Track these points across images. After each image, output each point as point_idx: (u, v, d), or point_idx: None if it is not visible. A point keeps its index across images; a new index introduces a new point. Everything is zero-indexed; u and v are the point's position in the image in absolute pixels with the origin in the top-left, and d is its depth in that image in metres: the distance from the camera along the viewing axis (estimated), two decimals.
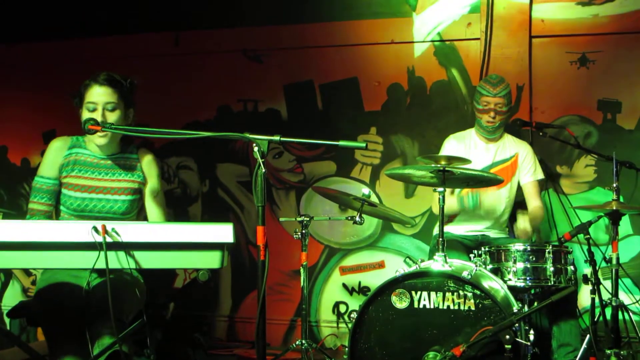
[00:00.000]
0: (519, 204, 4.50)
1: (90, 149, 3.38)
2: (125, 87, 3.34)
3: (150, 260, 2.57)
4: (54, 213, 3.38)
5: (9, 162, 6.01)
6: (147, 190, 3.44)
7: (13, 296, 5.85)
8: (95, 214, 3.27)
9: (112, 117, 3.26)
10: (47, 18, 5.79)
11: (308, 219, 4.26)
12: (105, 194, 3.31)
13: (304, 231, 4.25)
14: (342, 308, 5.31)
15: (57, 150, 3.35)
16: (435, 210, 4.34)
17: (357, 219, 4.06)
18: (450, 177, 3.58)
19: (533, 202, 4.40)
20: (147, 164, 3.45)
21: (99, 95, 3.25)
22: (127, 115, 3.36)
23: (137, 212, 3.45)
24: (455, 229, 4.42)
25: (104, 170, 3.35)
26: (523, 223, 4.20)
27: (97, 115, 3.21)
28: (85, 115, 3.25)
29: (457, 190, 4.40)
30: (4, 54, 5.92)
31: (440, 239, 3.55)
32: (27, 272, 5.86)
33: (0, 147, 6.03)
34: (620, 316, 3.86)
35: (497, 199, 4.35)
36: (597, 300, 3.81)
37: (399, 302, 3.40)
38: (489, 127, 4.34)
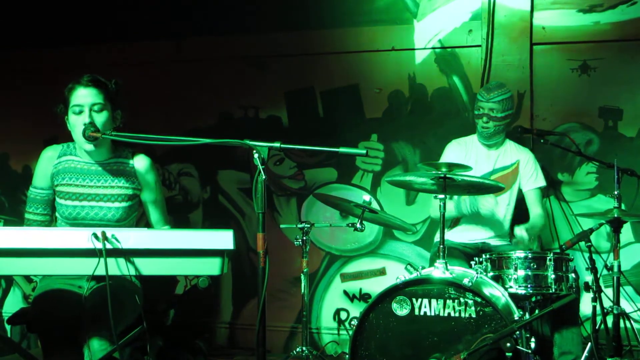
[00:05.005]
0: (517, 214, 4.50)
1: (81, 155, 3.31)
2: (111, 88, 3.27)
3: (150, 267, 2.57)
4: (50, 222, 3.35)
5: (11, 169, 6.01)
6: (145, 197, 3.40)
7: (14, 303, 5.84)
8: (89, 221, 3.22)
9: (100, 118, 3.17)
10: (48, 25, 5.80)
11: (309, 225, 4.27)
12: (97, 202, 3.25)
13: (304, 238, 4.25)
14: (343, 315, 5.30)
15: (47, 160, 3.30)
16: (433, 214, 4.36)
17: (358, 225, 4.05)
18: (452, 184, 3.58)
19: (534, 209, 4.40)
20: (143, 169, 3.37)
21: (84, 97, 3.17)
22: (114, 117, 3.27)
23: (134, 218, 3.40)
24: (456, 237, 4.41)
25: (95, 177, 3.29)
26: (520, 233, 4.19)
27: (84, 117, 3.14)
28: (72, 119, 3.20)
29: (455, 196, 4.40)
30: (5, 60, 5.93)
31: (442, 246, 3.55)
32: (28, 278, 5.86)
33: (2, 154, 6.04)
34: (621, 324, 3.85)
35: (497, 204, 4.35)
36: (598, 308, 3.80)
37: (400, 309, 3.40)
38: (484, 132, 4.36)
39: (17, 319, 3.34)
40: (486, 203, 4.27)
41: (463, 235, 4.42)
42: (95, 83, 3.22)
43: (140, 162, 3.38)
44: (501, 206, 4.37)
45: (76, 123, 3.17)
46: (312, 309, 5.31)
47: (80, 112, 3.17)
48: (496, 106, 4.28)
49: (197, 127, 5.58)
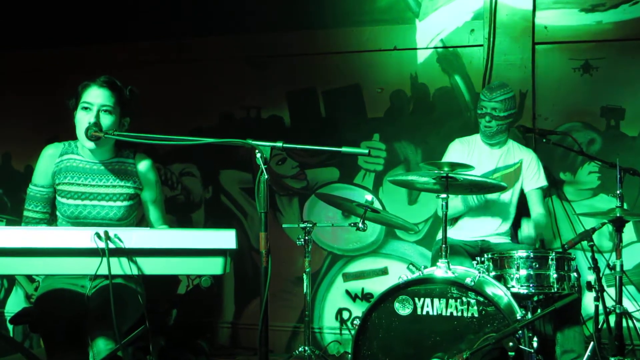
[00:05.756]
0: (523, 211, 4.50)
1: (83, 154, 3.31)
2: (125, 93, 3.28)
3: (153, 267, 2.57)
4: (50, 220, 3.35)
5: (13, 169, 6.02)
6: (145, 196, 3.41)
7: (16, 303, 5.85)
8: (90, 220, 3.23)
9: (106, 120, 3.18)
10: (50, 25, 5.80)
11: (311, 225, 4.27)
12: (99, 201, 3.26)
13: (307, 237, 4.25)
14: (345, 315, 5.30)
15: (48, 158, 3.29)
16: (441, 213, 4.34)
17: (360, 225, 4.05)
18: (454, 183, 3.57)
19: (536, 209, 4.39)
20: (144, 169, 3.38)
21: (96, 97, 3.17)
22: (122, 122, 3.29)
23: (134, 217, 3.41)
24: (456, 235, 4.41)
25: (97, 176, 3.29)
26: (527, 229, 4.19)
27: (90, 117, 3.15)
28: (79, 116, 3.19)
29: None
30: (7, 60, 5.94)
31: (444, 245, 3.55)
32: (30, 278, 5.86)
33: (4, 153, 6.04)
34: (624, 323, 3.85)
35: (501, 198, 4.35)
36: (600, 307, 3.80)
37: (402, 308, 3.40)
38: (487, 131, 4.37)
39: (19, 318, 3.34)
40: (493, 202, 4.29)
41: (463, 232, 4.42)
42: (110, 85, 3.22)
43: (141, 162, 3.39)
44: (504, 204, 4.37)
45: (82, 120, 3.17)
46: (315, 308, 5.32)
47: (89, 111, 3.18)
48: (499, 105, 4.29)
49: (199, 127, 5.58)
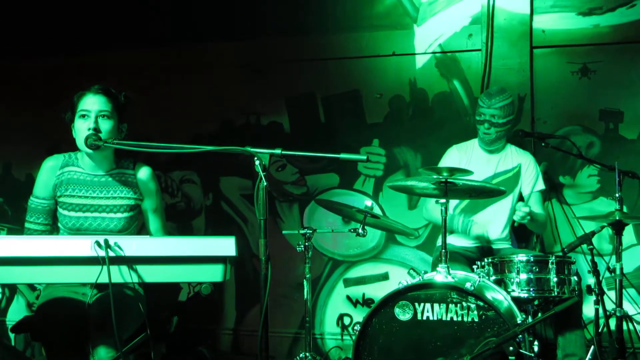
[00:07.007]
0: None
1: (83, 166, 3.32)
2: (120, 99, 3.28)
3: (153, 275, 2.58)
4: (51, 232, 3.35)
5: (14, 178, 6.03)
6: (146, 206, 3.41)
7: (17, 311, 5.85)
8: (92, 232, 3.23)
9: (105, 125, 3.18)
10: (50, 35, 5.82)
11: (311, 231, 4.26)
12: (100, 213, 3.26)
13: (307, 244, 4.24)
14: (347, 320, 5.30)
15: (49, 170, 3.30)
16: (426, 215, 4.41)
17: (360, 230, 4.05)
18: (453, 188, 3.58)
19: (536, 210, 4.39)
20: (144, 179, 3.38)
21: (93, 104, 3.18)
22: (120, 128, 3.28)
23: (135, 227, 3.41)
24: (457, 241, 4.41)
25: (98, 187, 3.29)
26: (524, 209, 4.15)
27: (89, 123, 3.15)
28: (77, 124, 3.20)
29: (453, 204, 4.40)
30: (8, 69, 5.95)
31: (444, 250, 3.55)
32: (31, 287, 5.87)
33: (5, 163, 6.05)
34: (624, 326, 3.85)
35: (494, 214, 4.35)
36: (601, 310, 3.81)
37: (402, 314, 3.40)
38: (485, 138, 4.35)
39: (21, 327, 3.35)
40: (479, 219, 4.31)
41: (464, 239, 4.42)
42: (105, 92, 3.24)
43: (142, 172, 3.39)
44: (502, 210, 4.38)
45: (81, 128, 3.18)
46: (316, 314, 5.32)
47: (87, 118, 3.18)
48: (497, 112, 4.27)
49: (199, 133, 5.59)
